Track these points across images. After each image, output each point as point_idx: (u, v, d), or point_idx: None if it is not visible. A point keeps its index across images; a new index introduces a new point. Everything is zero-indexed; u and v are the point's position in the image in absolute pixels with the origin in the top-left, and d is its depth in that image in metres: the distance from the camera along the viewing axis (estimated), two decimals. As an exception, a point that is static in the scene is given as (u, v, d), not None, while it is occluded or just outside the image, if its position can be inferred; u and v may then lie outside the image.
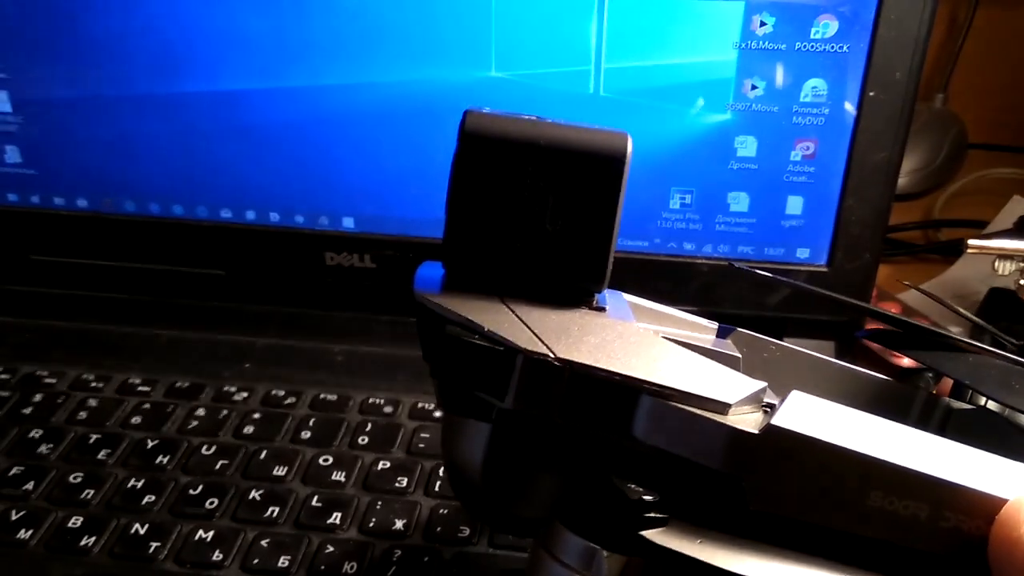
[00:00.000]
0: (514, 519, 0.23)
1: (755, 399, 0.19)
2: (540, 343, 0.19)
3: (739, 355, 0.23)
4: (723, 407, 0.18)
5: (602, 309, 0.21)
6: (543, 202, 0.20)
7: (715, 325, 0.25)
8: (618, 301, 0.23)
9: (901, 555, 0.17)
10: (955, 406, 0.24)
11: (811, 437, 0.17)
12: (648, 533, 0.18)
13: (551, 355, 0.19)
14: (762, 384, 0.19)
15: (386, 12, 0.42)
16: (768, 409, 0.19)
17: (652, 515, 0.19)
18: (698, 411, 0.18)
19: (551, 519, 0.20)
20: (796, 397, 0.18)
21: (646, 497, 0.19)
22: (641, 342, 0.20)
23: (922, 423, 0.25)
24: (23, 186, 0.48)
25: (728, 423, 0.18)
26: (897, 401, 0.25)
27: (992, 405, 0.24)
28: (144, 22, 0.43)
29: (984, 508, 0.17)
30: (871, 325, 0.44)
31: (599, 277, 0.21)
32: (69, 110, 0.45)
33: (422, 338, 0.21)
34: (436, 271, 0.22)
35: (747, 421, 0.18)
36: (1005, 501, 0.17)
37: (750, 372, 0.24)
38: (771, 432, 0.17)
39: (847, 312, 0.46)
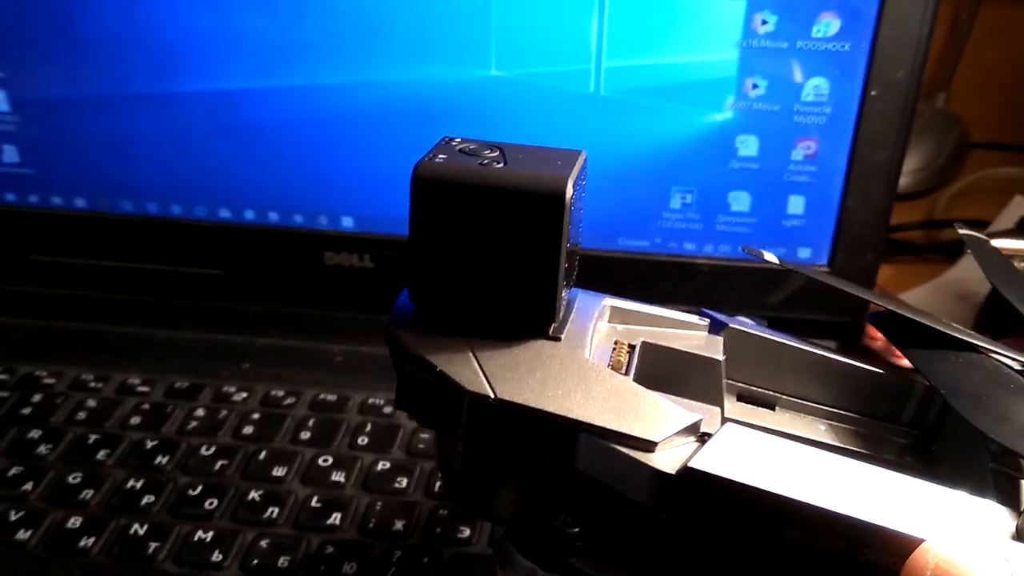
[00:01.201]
0: (494, 515, 0.25)
1: (692, 430, 0.20)
2: (485, 383, 0.21)
3: (720, 358, 0.23)
4: (650, 445, 0.19)
5: (558, 339, 0.22)
6: (494, 242, 0.22)
7: (706, 322, 0.25)
8: (585, 317, 0.24)
9: None
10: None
11: (725, 479, 0.18)
12: (576, 560, 0.21)
13: (491, 396, 0.20)
14: (697, 417, 0.20)
15: (385, 11, 0.41)
16: (705, 438, 0.20)
17: (579, 544, 0.21)
18: (624, 450, 0.19)
19: (503, 538, 0.23)
20: (726, 433, 0.20)
21: (572, 529, 0.21)
22: (585, 375, 0.21)
23: (919, 416, 0.25)
24: (21, 186, 0.48)
25: (650, 463, 0.19)
26: (894, 393, 0.25)
27: None
28: (142, 22, 0.43)
29: (898, 546, 0.17)
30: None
31: (549, 311, 0.22)
32: (67, 110, 0.45)
33: (395, 367, 0.23)
34: (411, 305, 0.24)
35: (672, 459, 0.19)
36: (920, 541, 0.17)
37: (741, 367, 0.24)
38: (687, 473, 0.19)
39: (848, 312, 0.45)
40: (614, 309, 0.25)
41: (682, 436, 0.20)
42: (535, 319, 0.22)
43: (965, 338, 0.23)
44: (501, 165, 0.22)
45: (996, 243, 0.48)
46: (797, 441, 0.20)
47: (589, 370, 0.21)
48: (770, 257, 0.28)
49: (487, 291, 0.22)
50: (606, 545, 0.21)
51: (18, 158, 0.47)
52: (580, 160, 0.22)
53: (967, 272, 0.56)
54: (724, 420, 0.22)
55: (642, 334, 0.24)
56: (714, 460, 0.19)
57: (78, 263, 0.49)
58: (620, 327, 0.25)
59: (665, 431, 0.19)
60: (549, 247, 0.21)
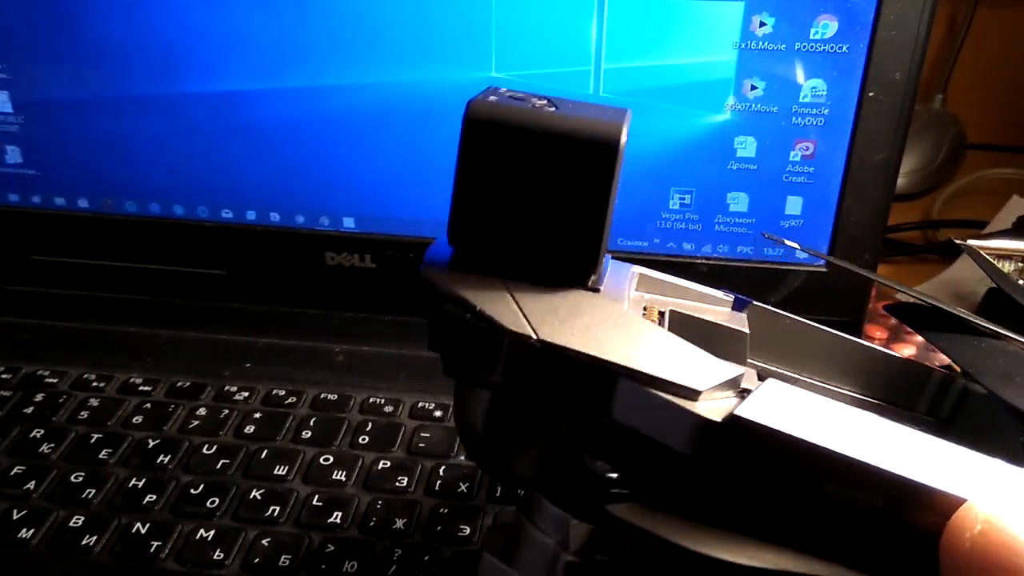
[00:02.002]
0: (513, 475, 0.25)
1: (732, 385, 0.19)
2: (527, 324, 0.20)
3: (746, 331, 0.23)
4: (694, 393, 0.19)
5: (597, 290, 0.22)
6: (543, 187, 0.21)
7: (731, 298, 0.26)
8: (619, 279, 0.24)
9: (860, 544, 0.18)
10: (971, 387, 0.25)
11: (770, 428, 0.18)
12: (611, 507, 0.20)
13: (533, 336, 0.20)
14: (740, 370, 0.20)
15: (386, 13, 0.42)
16: (745, 394, 0.19)
17: (616, 491, 0.20)
18: (667, 396, 0.19)
19: (531, 487, 0.22)
20: (768, 387, 0.19)
21: (610, 474, 0.20)
22: (625, 325, 0.21)
23: (936, 404, 0.25)
24: (24, 186, 0.48)
25: (694, 410, 0.19)
26: (912, 380, 0.25)
27: None
28: (145, 23, 0.43)
29: (941, 506, 0.17)
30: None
31: (592, 260, 0.22)
32: (70, 110, 0.45)
33: (424, 313, 0.22)
34: (445, 252, 0.23)
35: (716, 408, 0.19)
36: (961, 501, 0.17)
37: (762, 347, 0.25)
38: (732, 422, 0.18)
39: (847, 311, 0.46)
40: (643, 277, 0.25)
41: (724, 389, 0.19)
42: (577, 268, 0.22)
43: (985, 325, 0.24)
44: (553, 110, 0.21)
45: (993, 244, 0.48)
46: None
47: (630, 320, 0.21)
48: (791, 243, 0.28)
49: (530, 237, 0.22)
50: (643, 492, 0.20)
51: (21, 159, 0.47)
52: (628, 115, 0.22)
53: (964, 272, 0.56)
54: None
55: (669, 304, 0.24)
56: (759, 410, 0.18)
57: (81, 263, 0.49)
58: (647, 296, 0.25)
59: (709, 381, 0.19)
60: (598, 195, 0.21)
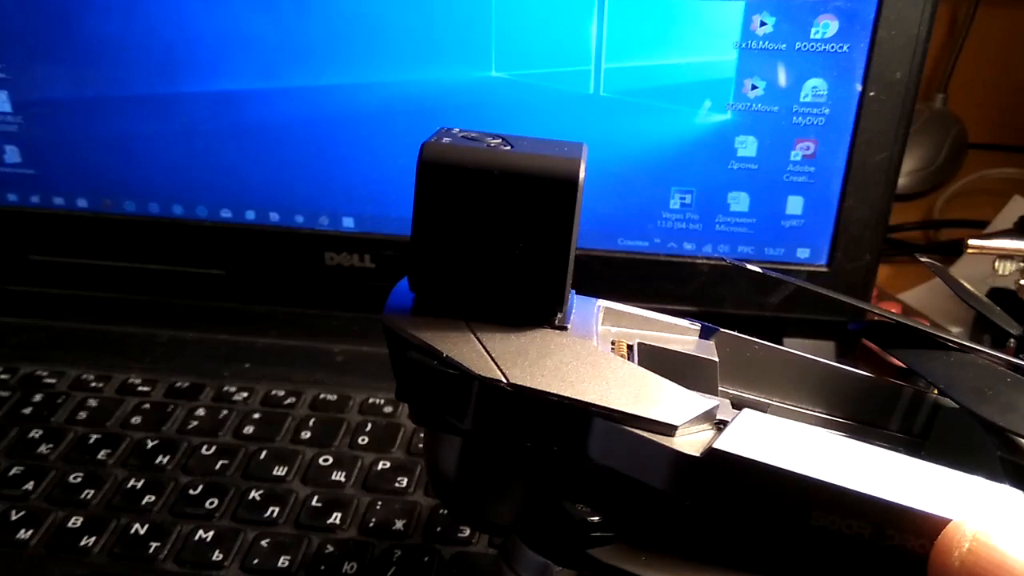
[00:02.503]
0: (486, 523, 0.24)
1: (707, 417, 0.19)
2: (496, 368, 0.20)
3: (716, 359, 0.23)
4: (670, 429, 0.19)
5: (564, 328, 0.22)
6: (503, 227, 0.21)
7: (697, 326, 0.25)
8: (586, 314, 0.24)
9: (847, 572, 0.18)
10: (942, 403, 0.24)
11: (751, 460, 0.18)
12: (594, 551, 0.19)
13: (504, 380, 0.20)
14: (715, 401, 0.20)
15: (386, 12, 0.41)
16: (721, 425, 0.19)
17: (598, 534, 0.20)
18: (644, 433, 0.19)
19: (511, 533, 0.22)
20: (745, 418, 0.19)
21: (591, 518, 0.20)
22: (596, 363, 0.20)
23: (907, 421, 0.25)
24: (23, 186, 0.48)
25: (672, 446, 0.18)
26: (882, 399, 0.25)
27: None
28: (144, 22, 0.43)
29: (927, 528, 0.17)
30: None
31: (558, 299, 0.22)
32: (69, 110, 0.45)
33: (391, 360, 0.22)
34: (407, 296, 0.23)
35: (694, 443, 0.19)
36: (947, 521, 0.17)
37: (731, 374, 0.24)
38: (712, 455, 0.18)
39: (848, 312, 0.46)
40: (608, 311, 0.25)
41: (700, 422, 0.19)
42: (542, 307, 0.22)
43: (952, 340, 0.24)
44: (509, 149, 0.21)
45: (995, 243, 0.48)
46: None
47: (601, 358, 0.21)
48: (753, 267, 0.28)
49: (492, 278, 0.21)
50: (626, 534, 0.20)
51: (20, 158, 0.47)
52: (584, 150, 0.22)
53: (965, 272, 0.56)
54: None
55: (637, 336, 0.24)
56: (739, 442, 0.18)
57: (79, 263, 0.49)
58: (615, 329, 0.25)
59: (685, 415, 0.19)
60: (560, 232, 0.21)
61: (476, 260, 0.21)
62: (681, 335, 0.25)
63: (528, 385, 0.20)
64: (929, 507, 0.17)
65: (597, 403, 0.19)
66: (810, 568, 0.18)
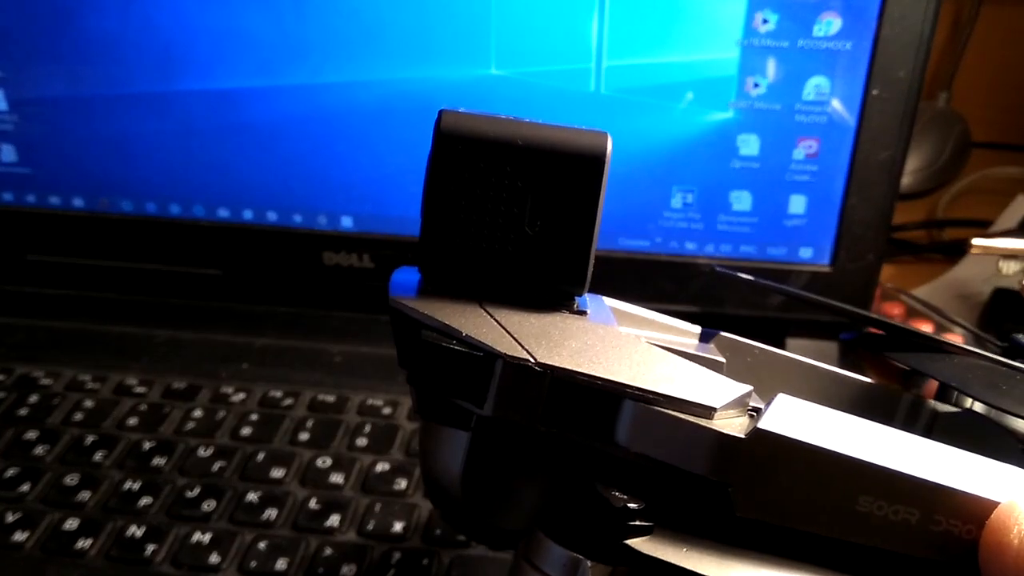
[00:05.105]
0: (494, 530, 0.23)
1: (740, 403, 0.18)
2: (520, 347, 0.18)
3: (723, 360, 0.22)
4: (708, 411, 0.17)
5: (583, 313, 0.21)
6: (522, 203, 0.20)
7: (697, 329, 0.25)
8: (599, 305, 0.23)
9: (892, 561, 0.17)
10: (941, 409, 0.24)
11: (799, 441, 0.17)
12: (633, 542, 0.18)
13: (532, 359, 0.18)
14: (748, 388, 0.19)
15: (385, 10, 0.41)
16: (754, 413, 0.18)
17: (637, 523, 0.18)
18: (683, 416, 0.17)
19: (532, 529, 0.20)
20: (782, 400, 0.18)
21: (631, 505, 0.18)
22: (624, 346, 0.19)
23: (907, 427, 0.24)
24: (19, 185, 0.48)
25: (714, 427, 0.17)
26: (882, 404, 0.25)
27: (978, 407, 0.24)
28: (141, 20, 0.43)
29: (975, 511, 0.16)
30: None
31: (580, 280, 0.20)
32: (66, 109, 0.45)
33: (398, 344, 0.20)
34: (412, 276, 0.22)
35: (732, 425, 0.17)
36: (996, 504, 0.16)
37: (733, 377, 0.24)
38: (758, 436, 0.17)
39: (848, 314, 0.45)
40: (613, 309, 0.24)
41: (735, 407, 0.18)
42: (561, 291, 0.21)
43: (947, 343, 0.23)
44: (531, 121, 0.20)
45: (999, 243, 0.48)
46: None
47: (627, 342, 0.19)
48: (744, 276, 0.28)
49: (509, 259, 0.20)
50: (668, 522, 0.18)
51: (16, 157, 0.47)
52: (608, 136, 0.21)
53: (969, 272, 0.56)
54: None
55: (643, 336, 0.23)
56: (785, 423, 0.17)
57: (76, 263, 0.49)
58: (622, 328, 0.24)
59: (723, 398, 0.18)
60: (584, 211, 0.20)
61: (492, 238, 0.20)
62: (681, 337, 0.24)
63: (559, 364, 0.18)
64: (979, 490, 0.16)
65: (632, 384, 0.18)
66: (855, 557, 0.17)
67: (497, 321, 0.19)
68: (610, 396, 0.18)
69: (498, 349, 0.18)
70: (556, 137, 0.20)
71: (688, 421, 0.17)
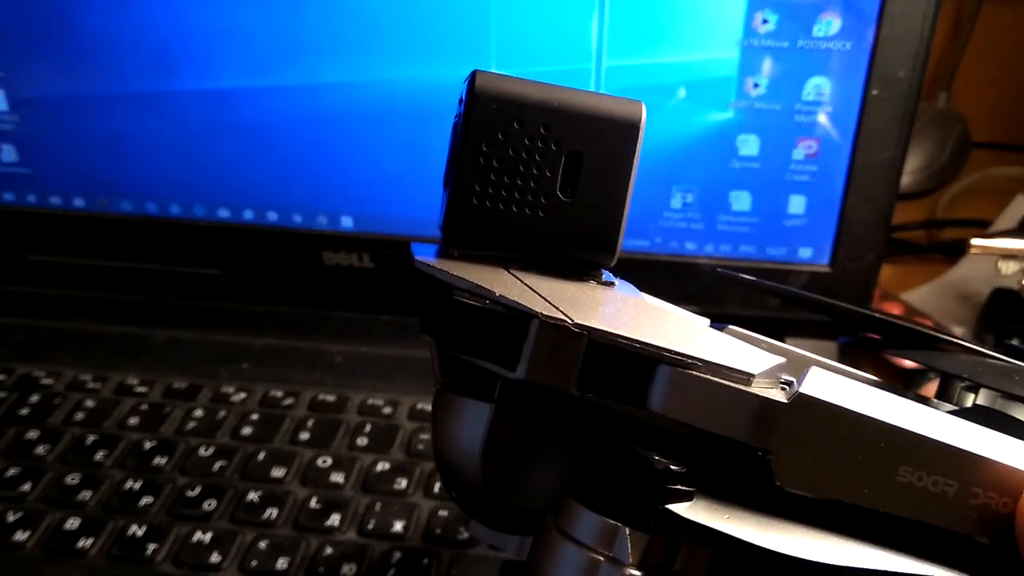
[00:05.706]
0: (511, 511, 0.22)
1: (773, 374, 0.18)
2: (555, 309, 0.18)
3: None
4: (747, 377, 0.17)
5: (611, 284, 0.21)
6: (555, 168, 0.20)
7: (707, 322, 0.25)
8: (622, 281, 0.23)
9: (929, 533, 0.17)
10: (944, 407, 0.24)
11: (843, 407, 0.17)
12: (675, 507, 0.17)
13: (569, 320, 0.18)
14: (781, 359, 0.18)
15: (384, 9, 0.41)
16: (786, 386, 0.18)
17: (679, 488, 0.18)
18: (723, 381, 0.17)
19: (564, 498, 0.19)
20: (818, 372, 0.18)
21: (673, 467, 0.18)
22: (657, 315, 0.19)
23: None
24: (19, 185, 0.48)
25: (756, 392, 0.17)
26: None
27: (982, 399, 0.24)
28: (140, 20, 0.43)
29: (1013, 484, 0.16)
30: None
31: (610, 247, 0.20)
32: (66, 109, 0.45)
33: (423, 309, 0.20)
34: (430, 249, 0.21)
35: (772, 393, 0.17)
36: None
37: None
38: (801, 401, 0.17)
39: (853, 314, 0.45)
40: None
41: (770, 376, 0.18)
42: (590, 260, 0.20)
43: (947, 337, 0.23)
44: (566, 86, 0.20)
45: (999, 243, 0.48)
46: None
47: (658, 310, 0.19)
48: (746, 277, 0.27)
49: (539, 223, 0.20)
50: (707, 490, 0.18)
51: (16, 157, 0.47)
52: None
53: (969, 272, 0.56)
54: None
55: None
56: (825, 390, 0.17)
57: (76, 263, 0.49)
58: None
59: (760, 366, 0.17)
60: (618, 177, 0.20)
61: (523, 203, 0.20)
62: None
63: (597, 327, 0.17)
64: (1016, 463, 0.16)
65: (671, 348, 0.17)
66: (894, 528, 0.17)
67: (527, 285, 0.19)
68: (648, 360, 0.17)
69: (534, 309, 0.18)
70: (592, 102, 0.20)
71: (730, 386, 0.17)
